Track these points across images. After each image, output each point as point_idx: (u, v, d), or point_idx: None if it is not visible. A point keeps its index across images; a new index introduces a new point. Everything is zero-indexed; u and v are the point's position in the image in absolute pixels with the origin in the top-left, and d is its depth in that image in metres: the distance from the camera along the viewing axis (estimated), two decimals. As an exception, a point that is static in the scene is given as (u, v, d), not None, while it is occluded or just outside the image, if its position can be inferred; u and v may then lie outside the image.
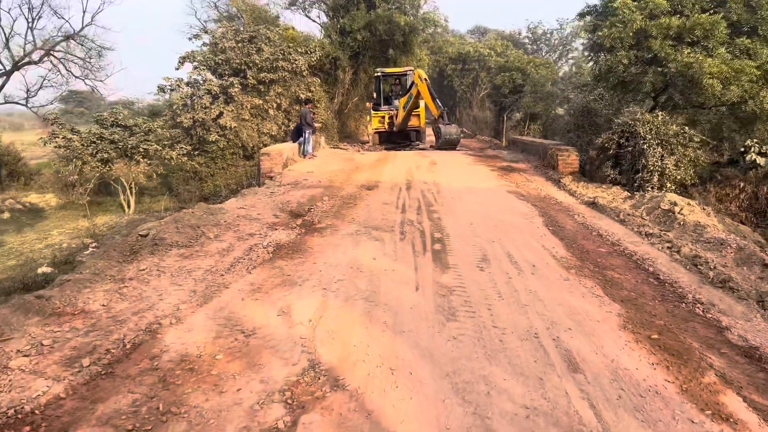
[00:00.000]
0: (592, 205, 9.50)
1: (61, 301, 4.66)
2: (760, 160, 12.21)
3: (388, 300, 4.90)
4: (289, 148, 14.72)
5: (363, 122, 27.07)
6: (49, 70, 25.50)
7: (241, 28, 21.49)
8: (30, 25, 24.08)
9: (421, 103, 20.03)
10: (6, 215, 16.70)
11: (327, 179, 12.00)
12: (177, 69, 20.60)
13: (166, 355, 3.84)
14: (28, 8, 23.98)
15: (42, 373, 3.56)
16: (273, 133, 19.76)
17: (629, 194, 10.35)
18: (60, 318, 4.39)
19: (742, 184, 12.92)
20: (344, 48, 23.15)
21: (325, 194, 10.14)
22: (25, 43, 24.51)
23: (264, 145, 18.01)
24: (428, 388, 3.43)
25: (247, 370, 3.64)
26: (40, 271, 9.91)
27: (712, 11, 12.60)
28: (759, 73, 11.44)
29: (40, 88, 25.48)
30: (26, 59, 24.38)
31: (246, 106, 19.42)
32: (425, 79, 18.86)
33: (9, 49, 24.18)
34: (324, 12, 27.17)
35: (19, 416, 3.10)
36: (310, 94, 20.04)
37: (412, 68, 21.16)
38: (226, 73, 19.61)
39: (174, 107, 19.72)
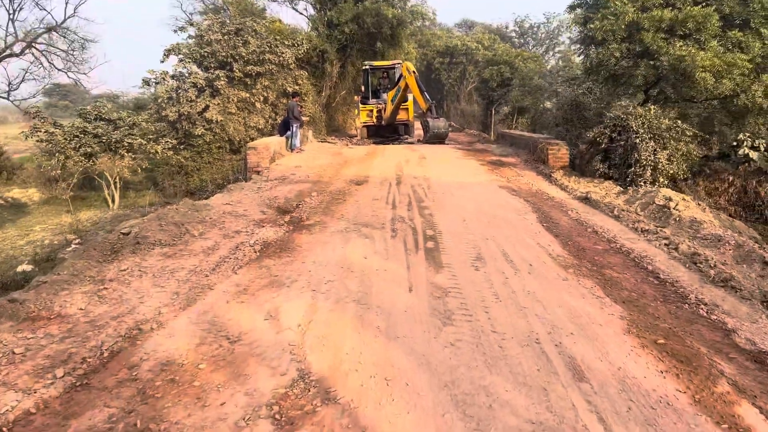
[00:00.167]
0: (585, 200, 9.34)
1: (36, 305, 4.39)
2: (753, 155, 12.16)
3: (380, 302, 4.67)
4: (277, 142, 14.42)
5: (351, 116, 26.81)
6: (31, 63, 24.89)
7: (228, 21, 21.17)
8: (11, 16, 23.41)
9: (410, 97, 19.87)
10: (-13, 210, 16.26)
11: (315, 174, 11.75)
12: (162, 62, 20.42)
13: (146, 364, 3.59)
14: (9, -1, 23.32)
15: (12, 384, 3.30)
16: (260, 127, 19.52)
17: (622, 189, 10.24)
18: (34, 323, 4.13)
19: (731, 178, 12.87)
20: (332, 41, 22.85)
21: (313, 189, 9.91)
22: (6, 35, 23.88)
23: (251, 139, 17.78)
24: (426, 401, 3.20)
25: (232, 381, 3.40)
26: (20, 269, 9.56)
27: (704, 4, 12.51)
28: (751, 66, 11.37)
29: (22, 81, 24.85)
30: (7, 51, 23.70)
31: (232, 100, 19.16)
32: (414, 71, 18.67)
33: (-10, 41, 23.56)
34: (311, 4, 26.74)
35: (-16, 436, 2.84)
36: (297, 88, 19.78)
37: (400, 61, 20.93)
38: (212, 65, 19.32)
39: (159, 101, 19.40)
